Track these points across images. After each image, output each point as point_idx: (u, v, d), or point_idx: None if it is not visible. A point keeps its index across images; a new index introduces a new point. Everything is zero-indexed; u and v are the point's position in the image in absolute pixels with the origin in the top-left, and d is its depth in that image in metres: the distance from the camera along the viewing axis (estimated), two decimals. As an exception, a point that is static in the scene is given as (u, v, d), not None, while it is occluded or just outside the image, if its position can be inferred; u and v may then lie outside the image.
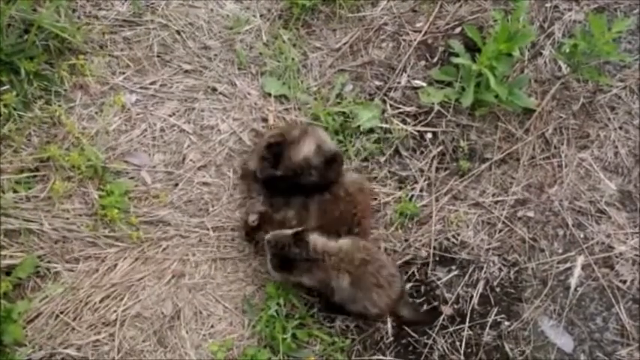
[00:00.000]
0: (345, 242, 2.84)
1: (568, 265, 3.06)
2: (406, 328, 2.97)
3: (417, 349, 2.94)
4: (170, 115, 3.24)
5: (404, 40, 3.44)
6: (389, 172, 3.22)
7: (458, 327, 2.98)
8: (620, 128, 3.27)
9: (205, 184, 3.16)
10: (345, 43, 3.44)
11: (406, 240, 3.11)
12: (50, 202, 2.99)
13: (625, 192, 3.17)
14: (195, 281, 3.01)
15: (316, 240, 2.80)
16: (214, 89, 3.30)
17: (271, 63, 3.35)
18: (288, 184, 2.99)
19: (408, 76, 3.38)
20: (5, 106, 3.01)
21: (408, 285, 3.05)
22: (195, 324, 2.95)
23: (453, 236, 3.12)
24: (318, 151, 2.97)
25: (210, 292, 3.00)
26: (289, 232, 2.79)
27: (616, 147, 3.24)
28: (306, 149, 2.98)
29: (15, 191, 2.96)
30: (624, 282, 3.02)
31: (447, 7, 3.49)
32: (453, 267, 3.07)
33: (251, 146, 3.20)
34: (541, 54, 3.39)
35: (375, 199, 3.16)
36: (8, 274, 2.85)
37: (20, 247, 2.91)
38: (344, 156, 3.15)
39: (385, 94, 3.33)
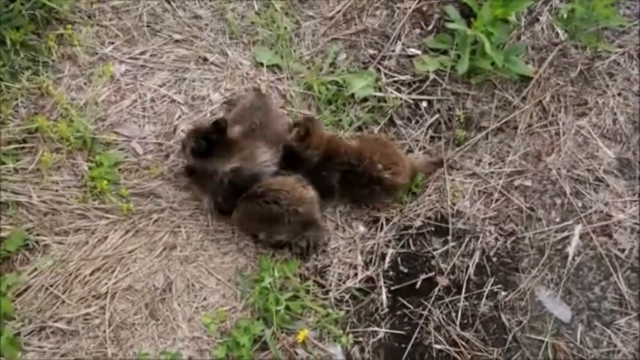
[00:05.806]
0: None
1: (566, 234, 3.01)
2: (401, 299, 2.93)
3: (412, 321, 2.90)
4: (160, 86, 3.19)
5: (398, 8, 3.40)
6: (383, 141, 3.18)
7: (454, 298, 2.93)
8: (619, 95, 3.22)
9: (197, 155, 3.10)
10: (338, 11, 3.39)
11: (401, 210, 3.07)
12: (39, 174, 2.95)
13: (623, 159, 3.12)
14: (186, 253, 2.96)
15: None
16: (205, 59, 3.25)
17: (263, 32, 3.31)
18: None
19: (403, 44, 3.34)
20: (-8, 76, 2.97)
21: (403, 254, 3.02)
22: (187, 296, 2.91)
23: (449, 206, 3.07)
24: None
25: (202, 264, 2.96)
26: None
27: (614, 114, 3.19)
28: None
29: (3, 163, 2.92)
30: (622, 251, 2.98)
31: (443, -27, 3.44)
32: (449, 237, 3.03)
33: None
34: (538, 20, 3.35)
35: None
36: (-4, 247, 2.82)
37: (9, 220, 2.87)
38: (336, 126, 3.14)
39: (379, 63, 3.29)
